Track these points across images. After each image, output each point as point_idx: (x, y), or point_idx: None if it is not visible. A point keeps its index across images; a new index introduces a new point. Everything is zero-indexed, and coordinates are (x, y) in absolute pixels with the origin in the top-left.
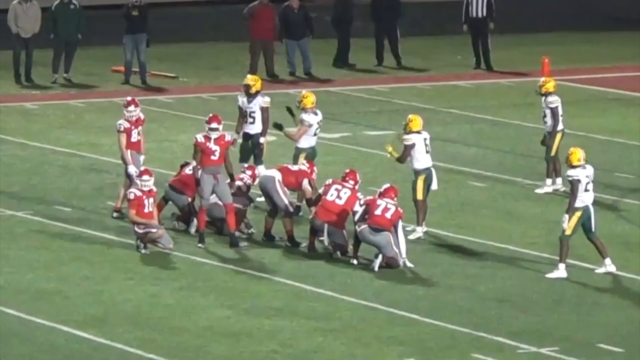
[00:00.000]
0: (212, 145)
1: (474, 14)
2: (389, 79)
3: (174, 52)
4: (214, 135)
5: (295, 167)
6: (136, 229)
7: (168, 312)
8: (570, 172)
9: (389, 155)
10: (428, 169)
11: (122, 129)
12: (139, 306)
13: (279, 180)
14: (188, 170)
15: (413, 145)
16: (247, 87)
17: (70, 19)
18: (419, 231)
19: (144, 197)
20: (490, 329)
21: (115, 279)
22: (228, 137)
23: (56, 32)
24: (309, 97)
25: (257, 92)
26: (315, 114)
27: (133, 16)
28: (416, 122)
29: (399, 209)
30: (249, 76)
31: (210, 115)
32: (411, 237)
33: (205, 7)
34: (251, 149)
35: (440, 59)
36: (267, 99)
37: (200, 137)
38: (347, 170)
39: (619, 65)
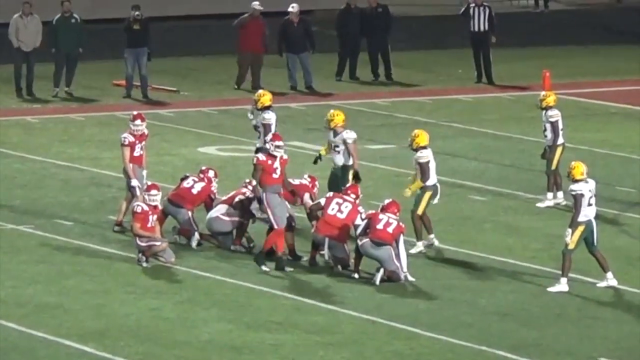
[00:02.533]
0: (274, 164)
1: (476, 28)
2: (390, 93)
3: (175, 65)
4: (279, 153)
5: (296, 181)
6: (139, 242)
7: (169, 325)
8: (574, 186)
9: (409, 194)
10: (435, 185)
11: (126, 142)
12: (140, 320)
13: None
14: (186, 184)
15: (428, 162)
16: (254, 102)
17: (71, 33)
18: (420, 245)
19: (150, 212)
20: (491, 342)
21: (116, 293)
22: (285, 156)
23: (57, 45)
24: (340, 115)
25: (265, 107)
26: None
27: (134, 30)
28: (422, 137)
29: (400, 223)
30: (260, 91)
31: (274, 132)
32: (412, 251)
33: (206, 21)
34: None
35: (441, 73)
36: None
37: (262, 156)
38: (348, 184)
39: (620, 79)
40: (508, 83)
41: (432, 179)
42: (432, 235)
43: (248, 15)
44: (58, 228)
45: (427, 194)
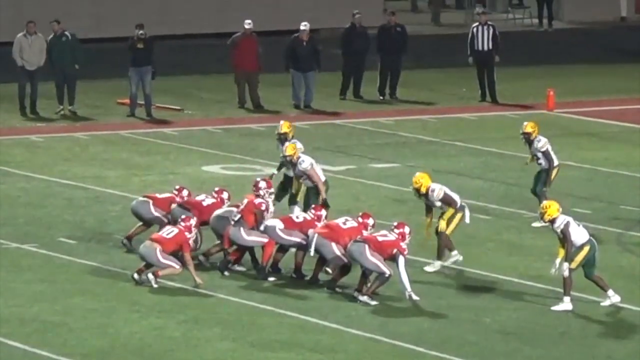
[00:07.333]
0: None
1: (480, 47)
2: (395, 112)
3: (179, 84)
4: (270, 199)
5: (300, 219)
6: (162, 260)
7: (173, 344)
8: (556, 223)
9: (444, 225)
10: (462, 205)
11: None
12: (144, 339)
13: (280, 229)
14: (198, 197)
15: (445, 192)
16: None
17: (64, 51)
18: (437, 265)
19: None
20: None
21: (120, 312)
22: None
23: (52, 64)
24: (426, 178)
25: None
26: None
27: (138, 49)
28: (426, 179)
29: (398, 241)
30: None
31: (267, 179)
32: (428, 269)
33: (210, 40)
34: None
35: (446, 92)
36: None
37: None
38: (361, 213)
39: (624, 98)
40: (512, 102)
41: (457, 201)
42: (455, 252)
43: (241, 33)
44: (62, 246)
45: (459, 215)
